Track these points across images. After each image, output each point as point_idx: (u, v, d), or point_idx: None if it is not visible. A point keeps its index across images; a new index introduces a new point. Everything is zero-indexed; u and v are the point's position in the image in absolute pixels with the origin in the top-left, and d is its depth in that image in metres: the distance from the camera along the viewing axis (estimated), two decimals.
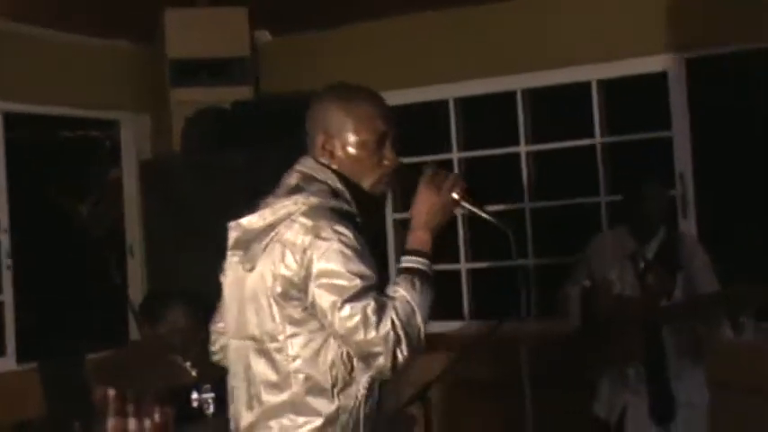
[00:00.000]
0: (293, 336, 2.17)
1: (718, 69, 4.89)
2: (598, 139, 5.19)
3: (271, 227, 2.19)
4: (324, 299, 2.11)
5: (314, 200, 2.18)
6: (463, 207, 2.26)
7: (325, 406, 2.16)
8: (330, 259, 2.10)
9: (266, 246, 2.19)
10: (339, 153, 2.27)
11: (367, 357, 2.11)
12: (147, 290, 5.31)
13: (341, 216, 2.18)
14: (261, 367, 2.22)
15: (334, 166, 2.27)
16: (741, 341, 3.64)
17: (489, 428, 5.05)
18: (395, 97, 5.09)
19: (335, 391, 2.16)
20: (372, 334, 2.07)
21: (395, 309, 2.09)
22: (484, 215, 2.26)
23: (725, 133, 4.97)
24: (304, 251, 2.12)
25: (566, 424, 4.45)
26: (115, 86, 5.58)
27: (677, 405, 3.80)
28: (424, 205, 2.24)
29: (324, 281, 2.11)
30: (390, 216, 5.49)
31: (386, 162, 2.29)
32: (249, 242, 2.23)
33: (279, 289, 2.17)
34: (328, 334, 2.15)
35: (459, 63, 5.38)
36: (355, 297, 2.08)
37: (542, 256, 5.28)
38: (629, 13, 4.98)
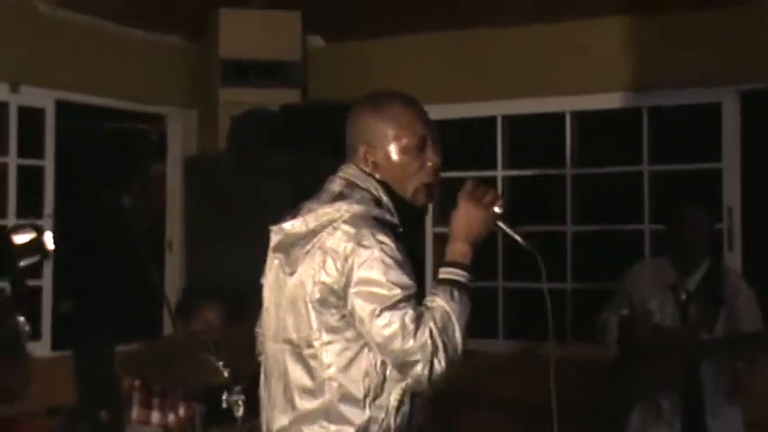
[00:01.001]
0: (329, 343, 2.18)
1: None
2: (646, 167, 5.13)
3: (313, 233, 2.20)
4: (362, 307, 2.13)
5: (357, 208, 2.19)
6: (496, 224, 2.27)
7: (357, 415, 2.17)
8: (371, 267, 2.12)
9: (308, 251, 2.20)
10: (382, 162, 2.29)
11: (404, 366, 2.12)
12: (183, 286, 5.27)
13: (383, 225, 2.19)
14: (297, 372, 2.23)
15: (377, 175, 2.28)
16: None
17: None
18: (442, 111, 5.05)
19: (367, 401, 2.16)
20: (410, 343, 2.08)
21: (433, 318, 2.11)
22: (511, 232, 2.25)
23: None
24: (345, 259, 2.14)
25: None
26: (165, 82, 5.58)
27: None
28: (465, 218, 2.24)
29: (363, 288, 2.12)
30: (430, 229, 5.45)
31: (429, 164, 2.30)
32: (291, 246, 2.25)
33: (318, 295, 2.18)
34: (364, 343, 2.17)
35: (509, 80, 5.32)
36: (394, 306, 2.10)
37: (582, 281, 5.20)
38: (687, 45, 4.94)
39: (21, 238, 2.45)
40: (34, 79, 4.98)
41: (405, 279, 2.12)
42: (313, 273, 2.18)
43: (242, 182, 4.92)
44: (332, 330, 2.17)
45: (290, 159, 4.82)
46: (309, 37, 5.70)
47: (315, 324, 2.18)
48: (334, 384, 2.17)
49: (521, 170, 5.52)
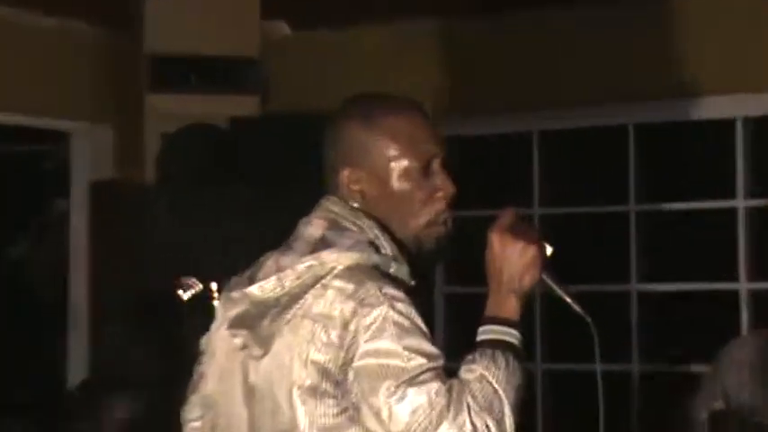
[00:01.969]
0: None
1: None
2: (741, 202, 5.00)
3: (293, 297, 2.15)
4: (372, 387, 2.04)
5: (351, 256, 2.14)
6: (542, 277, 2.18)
7: None
8: (381, 332, 2.06)
9: (288, 322, 2.15)
10: (373, 190, 2.25)
11: None
12: (87, 374, 5.20)
13: (389, 278, 2.13)
14: None
15: (367, 210, 2.25)
16: None
17: None
18: (457, 125, 5.05)
19: None
20: (444, 427, 2.01)
21: (471, 393, 2.05)
22: (560, 292, 2.21)
23: None
24: (345, 326, 2.09)
25: None
26: (65, 85, 5.30)
27: None
28: (506, 259, 2.18)
29: (371, 362, 2.05)
30: (440, 288, 5.35)
31: (439, 194, 2.24)
32: (260, 318, 2.18)
33: (308, 381, 2.12)
34: None
35: (542, 85, 5.23)
36: (417, 381, 2.03)
37: (653, 360, 5.14)
38: None
39: None
40: None
41: (427, 345, 2.06)
42: (299, 351, 2.12)
43: (175, 225, 4.78)
44: (327, 430, 2.11)
45: (245, 192, 4.71)
46: (271, 23, 5.50)
47: (303, 421, 2.11)
48: None
49: (566, 207, 5.42)
